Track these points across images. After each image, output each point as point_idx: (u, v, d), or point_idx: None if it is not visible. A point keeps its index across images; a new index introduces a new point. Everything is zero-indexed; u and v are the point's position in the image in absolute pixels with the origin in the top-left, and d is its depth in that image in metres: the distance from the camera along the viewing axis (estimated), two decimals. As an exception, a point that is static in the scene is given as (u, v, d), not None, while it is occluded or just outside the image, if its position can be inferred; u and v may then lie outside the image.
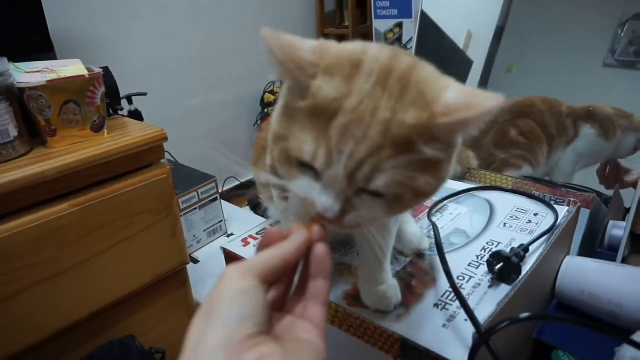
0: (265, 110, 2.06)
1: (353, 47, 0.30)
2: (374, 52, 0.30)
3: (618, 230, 0.67)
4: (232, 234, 1.31)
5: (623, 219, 0.73)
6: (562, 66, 1.45)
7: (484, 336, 0.37)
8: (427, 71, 0.30)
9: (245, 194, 1.86)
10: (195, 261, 1.19)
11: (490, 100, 0.27)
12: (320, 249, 0.31)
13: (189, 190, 1.16)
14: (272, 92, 2.08)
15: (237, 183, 1.91)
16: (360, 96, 0.27)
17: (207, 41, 1.86)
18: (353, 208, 0.30)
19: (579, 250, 0.65)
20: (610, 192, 0.78)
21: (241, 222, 1.35)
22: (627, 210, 0.79)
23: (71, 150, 0.73)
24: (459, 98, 0.28)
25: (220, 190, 1.28)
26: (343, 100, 0.27)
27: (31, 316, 0.70)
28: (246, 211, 1.55)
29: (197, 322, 0.26)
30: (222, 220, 1.28)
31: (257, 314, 0.26)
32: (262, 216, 1.37)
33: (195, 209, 1.19)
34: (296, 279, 0.33)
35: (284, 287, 0.32)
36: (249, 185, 1.80)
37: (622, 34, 1.23)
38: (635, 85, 1.11)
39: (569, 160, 1.00)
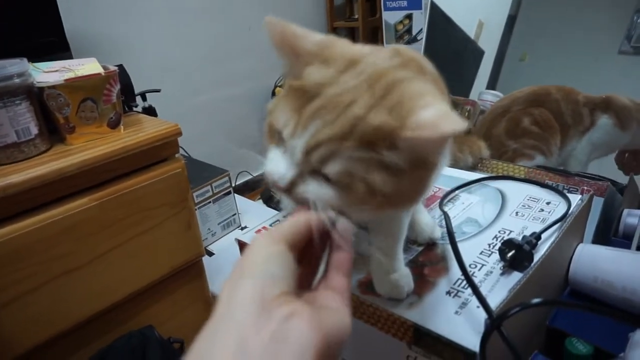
0: (276, 105, 2.07)
1: (361, 49, 0.33)
2: (375, 58, 0.32)
3: (633, 218, 0.66)
4: (245, 227, 1.32)
5: (638, 207, 0.72)
6: (576, 54, 1.42)
7: (496, 321, 0.38)
8: (419, 87, 0.31)
9: (257, 187, 1.88)
10: (210, 254, 1.21)
11: (452, 124, 0.27)
12: (343, 221, 0.32)
13: (203, 184, 1.17)
14: (282, 87, 2.08)
15: (249, 177, 1.93)
16: (343, 88, 0.30)
17: (218, 38, 1.88)
18: (303, 183, 0.32)
19: (593, 239, 0.65)
20: (625, 180, 0.77)
21: (254, 214, 1.36)
22: (643, 199, 0.78)
23: (89, 146, 0.75)
24: (431, 118, 0.28)
25: (233, 184, 1.30)
26: (326, 87, 0.30)
27: (50, 309, 0.72)
28: (259, 204, 1.57)
29: (229, 283, 0.27)
30: (235, 214, 1.30)
31: (287, 276, 0.28)
32: (275, 208, 1.39)
33: (210, 202, 1.20)
34: (321, 268, 0.33)
35: (308, 270, 0.32)
36: (261, 178, 1.81)
37: (639, 20, 1.20)
38: (652, 72, 1.09)
39: (584, 149, 0.99)
